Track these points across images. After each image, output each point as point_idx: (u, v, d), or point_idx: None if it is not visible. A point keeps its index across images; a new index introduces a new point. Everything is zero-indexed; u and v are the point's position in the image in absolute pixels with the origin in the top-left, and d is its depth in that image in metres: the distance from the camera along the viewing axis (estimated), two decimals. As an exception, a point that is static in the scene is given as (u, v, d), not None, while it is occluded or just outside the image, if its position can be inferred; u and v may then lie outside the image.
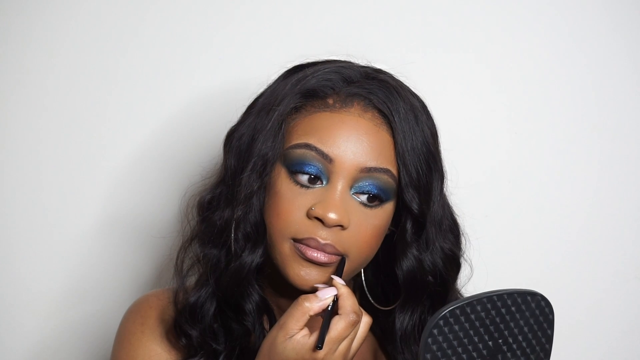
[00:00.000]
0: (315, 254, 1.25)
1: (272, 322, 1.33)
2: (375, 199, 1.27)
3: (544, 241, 1.78)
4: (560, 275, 1.78)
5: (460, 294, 1.39)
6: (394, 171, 1.27)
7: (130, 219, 1.74)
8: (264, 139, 1.27)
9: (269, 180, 1.28)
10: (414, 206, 1.28)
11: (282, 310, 1.33)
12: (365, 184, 1.26)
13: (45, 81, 1.73)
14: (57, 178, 1.74)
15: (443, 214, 1.33)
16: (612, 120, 1.77)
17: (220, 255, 1.30)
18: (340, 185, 1.25)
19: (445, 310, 1.13)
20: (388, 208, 1.29)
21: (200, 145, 1.72)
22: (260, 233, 1.28)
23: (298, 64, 1.35)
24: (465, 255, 1.37)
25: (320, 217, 1.24)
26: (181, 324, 1.31)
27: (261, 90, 1.36)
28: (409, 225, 1.31)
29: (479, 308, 1.14)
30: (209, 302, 1.31)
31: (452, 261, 1.34)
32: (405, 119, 1.27)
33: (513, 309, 1.15)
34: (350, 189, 1.26)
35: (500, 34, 1.75)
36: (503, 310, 1.15)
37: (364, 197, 1.26)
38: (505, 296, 1.15)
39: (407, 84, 1.34)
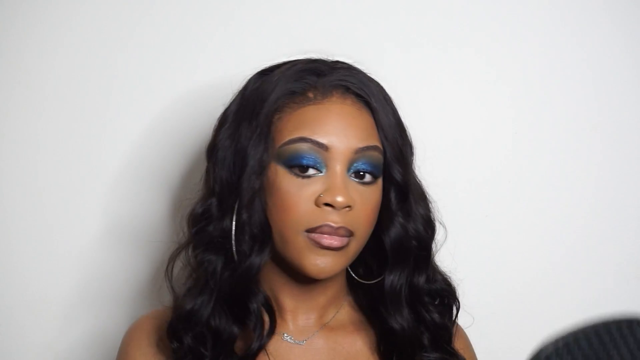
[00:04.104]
0: (331, 241, 1.30)
1: (272, 320, 1.36)
2: (370, 176, 1.34)
3: (544, 241, 1.78)
4: (560, 274, 1.78)
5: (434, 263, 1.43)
6: (380, 147, 1.35)
7: (133, 223, 1.74)
8: (254, 145, 1.32)
9: (266, 182, 1.33)
10: (398, 176, 1.36)
11: (281, 308, 1.38)
12: (360, 164, 1.33)
13: (44, 85, 1.73)
14: (57, 182, 1.73)
15: (415, 182, 1.40)
16: (613, 120, 1.77)
17: (217, 262, 1.34)
18: (338, 169, 1.31)
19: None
20: (380, 183, 1.36)
21: (186, 150, 1.73)
22: (266, 233, 1.33)
23: (259, 70, 1.40)
24: (438, 218, 1.42)
25: (330, 202, 1.30)
26: (176, 330, 1.34)
27: (228, 101, 1.40)
28: (392, 196, 1.38)
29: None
30: (203, 308, 1.34)
31: (429, 224, 1.40)
32: (378, 99, 1.36)
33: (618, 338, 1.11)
34: (348, 171, 1.32)
35: (501, 33, 1.75)
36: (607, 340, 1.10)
37: (360, 177, 1.33)
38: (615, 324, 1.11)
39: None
